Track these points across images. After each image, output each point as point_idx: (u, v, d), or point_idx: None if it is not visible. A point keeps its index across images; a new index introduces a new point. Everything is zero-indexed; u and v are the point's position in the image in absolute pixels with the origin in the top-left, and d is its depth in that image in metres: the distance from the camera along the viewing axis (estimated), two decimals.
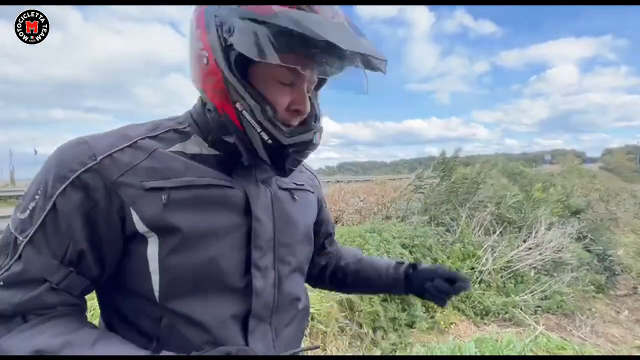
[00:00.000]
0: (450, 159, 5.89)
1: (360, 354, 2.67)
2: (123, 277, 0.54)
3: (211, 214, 0.54)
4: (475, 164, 6.42)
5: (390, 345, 2.79)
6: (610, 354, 3.02)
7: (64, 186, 0.48)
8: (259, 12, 0.49)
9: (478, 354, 2.53)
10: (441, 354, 2.57)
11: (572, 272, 4.33)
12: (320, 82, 0.65)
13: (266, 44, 0.49)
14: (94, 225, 0.50)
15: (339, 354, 2.50)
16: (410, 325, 3.09)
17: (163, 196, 0.51)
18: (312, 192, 0.77)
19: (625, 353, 3.14)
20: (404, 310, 3.15)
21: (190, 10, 0.60)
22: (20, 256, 0.48)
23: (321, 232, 0.84)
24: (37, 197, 0.49)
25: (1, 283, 0.48)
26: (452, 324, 3.28)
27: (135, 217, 0.50)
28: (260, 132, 0.54)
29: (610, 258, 5.15)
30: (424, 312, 3.18)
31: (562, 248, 4.53)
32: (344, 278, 0.86)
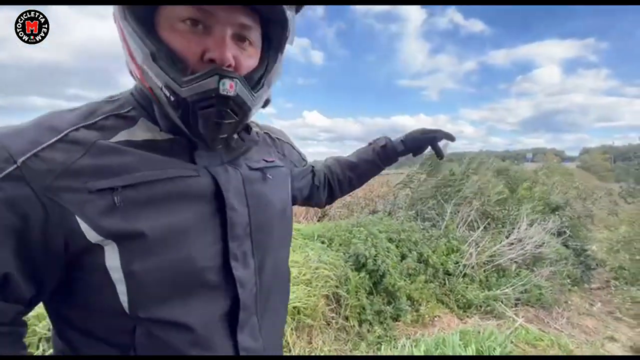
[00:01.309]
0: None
1: (346, 346, 2.69)
2: (80, 292, 0.46)
3: (177, 208, 0.47)
4: (462, 161, 6.52)
5: (376, 338, 2.82)
6: (600, 354, 3.15)
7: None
8: None
9: (462, 345, 2.59)
10: (425, 346, 2.62)
11: (551, 266, 4.49)
12: (274, 44, 0.54)
13: None
14: (24, 243, 0.41)
15: (325, 348, 2.51)
16: (396, 318, 3.14)
17: (115, 198, 0.43)
18: (282, 167, 0.71)
19: (598, 344, 3.29)
20: (389, 303, 3.18)
21: None
22: None
23: (303, 183, 0.86)
24: None
25: None
26: (436, 316, 3.35)
27: (84, 226, 0.42)
28: (162, 87, 0.45)
29: (586, 253, 5.37)
30: (409, 306, 3.23)
31: (543, 243, 4.68)
32: (350, 181, 0.97)
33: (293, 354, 2.26)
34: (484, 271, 4.13)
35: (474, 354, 2.49)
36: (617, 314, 4.10)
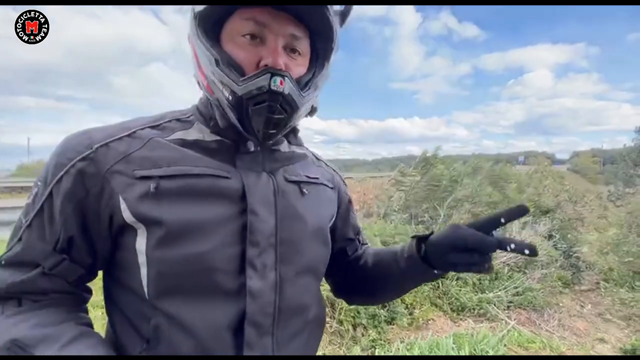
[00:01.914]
0: (431, 157, 6.02)
1: (341, 350, 2.68)
2: (117, 269, 0.53)
3: (202, 205, 0.50)
4: (454, 164, 6.59)
5: (370, 342, 2.83)
6: (596, 355, 3.19)
7: (60, 174, 0.49)
8: None
9: (455, 348, 2.60)
10: (419, 350, 2.63)
11: (542, 269, 4.54)
12: (321, 54, 0.58)
13: None
14: (84, 213, 0.49)
15: (319, 352, 2.50)
16: (390, 321, 3.14)
17: (151, 185, 0.49)
18: (331, 188, 0.69)
19: (588, 345, 3.34)
20: (384, 307, 3.19)
21: (187, 8, 0.57)
22: (20, 239, 0.50)
23: (338, 234, 0.73)
24: (39, 183, 0.50)
25: (2, 262, 0.50)
26: (430, 320, 3.37)
27: (123, 206, 0.49)
28: (222, 89, 0.51)
29: (576, 255, 5.45)
30: (404, 309, 3.24)
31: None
32: (365, 279, 0.72)
33: None
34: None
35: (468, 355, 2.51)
36: (606, 316, 4.16)
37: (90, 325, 0.53)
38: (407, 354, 2.60)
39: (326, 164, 0.75)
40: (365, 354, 2.71)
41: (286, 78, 0.50)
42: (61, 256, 0.50)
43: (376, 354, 2.68)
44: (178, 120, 0.58)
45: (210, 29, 0.52)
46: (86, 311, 0.56)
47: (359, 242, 0.79)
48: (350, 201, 0.77)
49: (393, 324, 3.14)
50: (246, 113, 0.51)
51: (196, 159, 0.53)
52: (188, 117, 0.58)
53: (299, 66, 0.55)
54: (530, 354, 2.87)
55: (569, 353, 3.01)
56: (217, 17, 0.52)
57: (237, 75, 0.50)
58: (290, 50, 0.53)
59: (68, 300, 0.52)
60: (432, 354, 2.56)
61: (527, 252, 0.52)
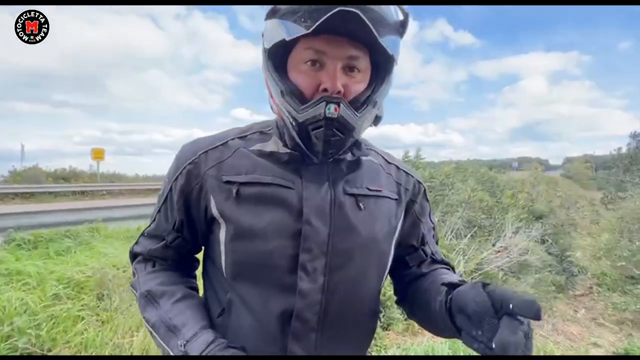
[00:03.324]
0: (416, 161, 6.04)
1: None
2: (210, 250, 0.66)
3: (267, 211, 0.59)
4: (444, 168, 6.63)
5: None
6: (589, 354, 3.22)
7: (176, 174, 0.63)
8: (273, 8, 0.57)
9: (451, 353, 2.62)
10: (415, 355, 2.64)
11: (536, 273, 4.59)
12: (382, 68, 0.60)
13: (275, 28, 0.56)
14: (190, 203, 0.63)
15: None
16: (386, 327, 3.15)
17: (233, 189, 0.60)
18: (395, 199, 0.67)
19: (582, 350, 3.37)
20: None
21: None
22: (154, 219, 0.68)
23: (401, 241, 0.70)
24: (166, 180, 0.65)
25: (145, 234, 0.70)
26: None
27: (212, 203, 0.61)
28: (288, 115, 0.58)
29: (569, 260, 5.51)
30: (400, 314, 3.25)
31: (528, 251, 4.79)
32: (414, 302, 0.69)
33: None
34: (472, 279, 4.19)
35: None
36: (600, 320, 4.21)
37: (195, 288, 0.69)
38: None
39: (399, 167, 0.72)
40: None
41: (341, 104, 0.54)
42: (177, 234, 0.66)
43: None
44: (261, 132, 0.67)
45: (279, 60, 0.59)
46: (195, 277, 0.72)
47: (426, 255, 0.73)
48: (422, 210, 0.73)
49: (389, 330, 3.15)
50: (307, 136, 0.58)
51: (269, 168, 0.62)
52: (269, 130, 0.67)
53: (358, 83, 0.58)
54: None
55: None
56: (284, 50, 0.58)
57: (298, 104, 0.56)
58: (349, 69, 0.57)
59: (182, 267, 0.70)
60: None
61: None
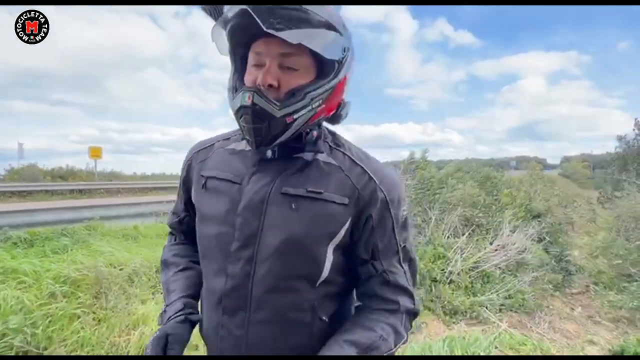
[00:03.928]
0: (421, 161, 6.07)
1: None
2: (196, 226, 0.76)
3: (218, 202, 0.68)
4: (445, 167, 6.65)
5: None
6: (585, 355, 3.23)
7: (183, 166, 0.80)
8: None
9: (448, 351, 2.62)
10: (412, 354, 2.64)
11: (533, 272, 4.60)
12: (326, 64, 0.63)
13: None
14: (187, 191, 0.79)
15: None
16: None
17: (202, 182, 0.72)
18: (342, 204, 0.64)
19: (578, 347, 3.39)
20: None
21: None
22: (176, 200, 0.86)
23: (351, 249, 0.68)
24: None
25: (172, 210, 0.88)
26: (422, 323, 3.39)
27: (192, 192, 0.76)
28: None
29: (567, 259, 5.53)
30: None
31: (525, 249, 4.81)
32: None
33: None
34: (469, 277, 4.20)
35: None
36: (596, 318, 4.23)
37: (194, 263, 0.79)
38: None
39: (365, 170, 0.67)
40: None
41: (255, 93, 0.59)
42: (186, 212, 0.82)
43: None
44: (240, 134, 0.73)
45: (239, 63, 0.67)
46: (195, 259, 0.79)
47: (376, 270, 0.67)
48: (381, 221, 0.66)
49: None
50: (240, 126, 0.63)
51: (231, 164, 0.70)
52: None
53: (295, 78, 0.62)
54: (521, 355, 2.90)
55: (558, 355, 3.05)
56: (241, 55, 0.66)
57: (232, 97, 0.64)
58: (287, 67, 0.62)
59: (189, 244, 0.83)
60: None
61: None
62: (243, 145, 0.72)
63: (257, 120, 0.60)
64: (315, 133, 0.69)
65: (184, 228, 0.84)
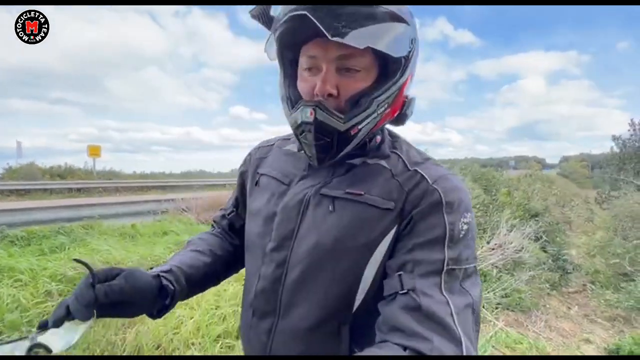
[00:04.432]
0: None
1: None
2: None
3: (263, 199, 0.68)
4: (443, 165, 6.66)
5: None
6: (582, 355, 3.24)
7: (242, 163, 0.81)
8: None
9: None
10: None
11: (530, 270, 4.62)
12: (389, 64, 0.56)
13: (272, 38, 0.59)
14: (242, 186, 0.80)
15: None
16: None
17: (257, 178, 0.73)
18: (386, 209, 0.55)
19: (574, 346, 3.40)
20: None
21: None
22: (231, 194, 0.86)
23: (386, 262, 0.55)
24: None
25: (222, 207, 0.88)
26: None
27: (247, 187, 0.77)
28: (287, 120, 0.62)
29: (564, 257, 5.55)
30: None
31: (522, 248, 4.82)
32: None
33: None
34: None
35: None
36: (592, 317, 4.24)
37: (215, 253, 0.77)
38: None
39: (418, 172, 0.58)
40: None
41: (317, 108, 0.54)
42: (233, 208, 0.83)
43: None
44: None
45: (289, 68, 0.62)
46: (232, 249, 0.81)
47: (402, 286, 0.50)
48: (425, 224, 0.53)
49: None
50: (299, 141, 0.61)
51: (284, 165, 0.70)
52: None
53: (356, 82, 0.55)
54: (517, 355, 2.92)
55: (554, 354, 3.06)
56: (291, 57, 0.61)
57: (289, 110, 0.59)
58: (346, 69, 0.55)
59: (227, 237, 0.83)
60: None
61: None
62: (295, 146, 0.71)
63: (319, 137, 0.55)
64: (378, 138, 0.64)
65: (225, 223, 0.84)
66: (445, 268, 0.50)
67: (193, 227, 6.24)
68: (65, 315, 0.50)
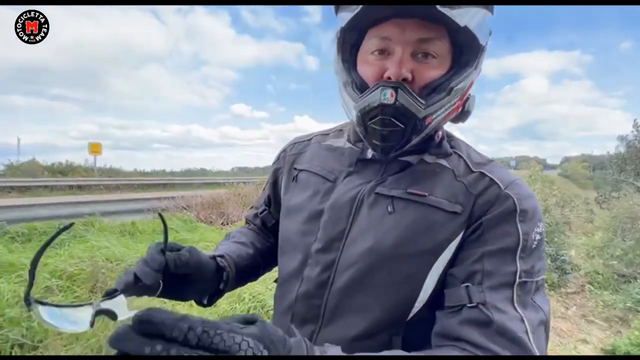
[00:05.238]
0: None
1: None
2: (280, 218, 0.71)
3: (305, 196, 0.63)
4: None
5: None
6: (580, 355, 3.26)
7: (275, 159, 0.77)
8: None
9: None
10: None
11: None
12: (465, 50, 0.52)
13: (340, 21, 0.54)
14: (275, 183, 0.76)
15: None
16: None
17: (294, 174, 0.69)
18: (452, 212, 0.51)
19: (571, 346, 3.41)
20: None
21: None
22: (262, 192, 0.82)
23: (449, 270, 0.52)
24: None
25: (253, 205, 0.86)
26: None
27: (282, 184, 0.72)
28: (349, 109, 0.56)
29: (562, 258, 5.55)
30: None
31: None
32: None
33: None
34: None
35: None
36: (590, 317, 4.25)
37: (247, 245, 0.74)
38: None
39: (484, 174, 0.55)
40: None
41: (399, 89, 0.48)
42: (265, 207, 0.80)
43: None
44: (340, 130, 0.72)
45: (348, 54, 0.56)
46: (267, 243, 0.79)
47: (470, 299, 0.47)
48: (498, 231, 0.50)
49: None
50: (365, 127, 0.53)
51: (327, 161, 0.66)
52: (346, 127, 0.70)
53: (433, 69, 0.51)
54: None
55: (551, 353, 3.07)
56: (353, 42, 0.55)
57: (358, 94, 0.52)
58: (423, 55, 0.51)
59: (261, 234, 0.80)
60: None
61: None
62: (341, 143, 0.67)
63: (394, 123, 0.49)
64: (440, 134, 0.59)
65: (258, 222, 0.80)
66: (517, 280, 0.46)
67: (193, 225, 6.27)
68: (134, 283, 0.48)
